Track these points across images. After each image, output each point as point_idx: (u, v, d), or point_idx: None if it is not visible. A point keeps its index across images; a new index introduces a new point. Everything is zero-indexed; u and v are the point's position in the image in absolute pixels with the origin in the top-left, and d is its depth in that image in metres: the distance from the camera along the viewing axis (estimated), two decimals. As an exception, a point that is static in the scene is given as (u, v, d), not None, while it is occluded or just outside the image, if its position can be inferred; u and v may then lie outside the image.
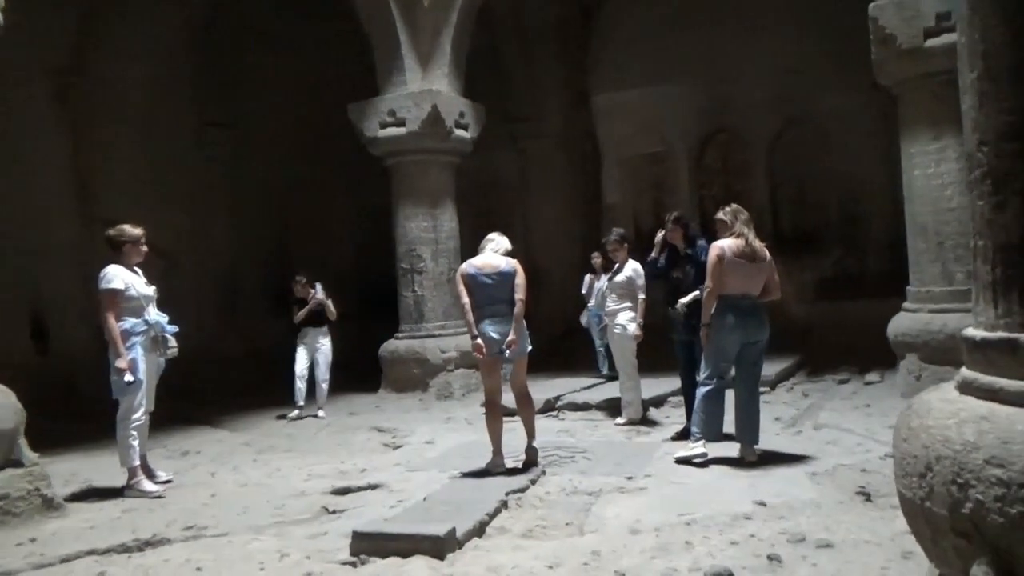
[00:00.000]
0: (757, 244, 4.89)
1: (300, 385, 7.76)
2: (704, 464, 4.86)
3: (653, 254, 5.91)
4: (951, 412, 2.02)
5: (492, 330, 4.78)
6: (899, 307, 6.86)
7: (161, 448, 6.31)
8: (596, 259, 8.52)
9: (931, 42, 6.21)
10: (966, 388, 2.08)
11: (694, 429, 5.00)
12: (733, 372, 5.06)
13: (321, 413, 7.66)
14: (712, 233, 5.22)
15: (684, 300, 5.44)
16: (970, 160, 2.10)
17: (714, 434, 4.99)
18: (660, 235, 5.82)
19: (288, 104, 11.19)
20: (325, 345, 7.83)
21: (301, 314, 7.74)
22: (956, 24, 2.23)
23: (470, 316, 4.81)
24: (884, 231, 9.91)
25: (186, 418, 7.56)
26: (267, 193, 11.20)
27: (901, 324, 6.67)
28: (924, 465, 2.00)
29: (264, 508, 4.49)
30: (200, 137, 10.42)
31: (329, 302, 7.76)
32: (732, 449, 5.04)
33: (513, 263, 4.90)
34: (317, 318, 7.78)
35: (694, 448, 4.93)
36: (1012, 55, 1.92)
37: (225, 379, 9.19)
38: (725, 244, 4.83)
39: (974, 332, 2.10)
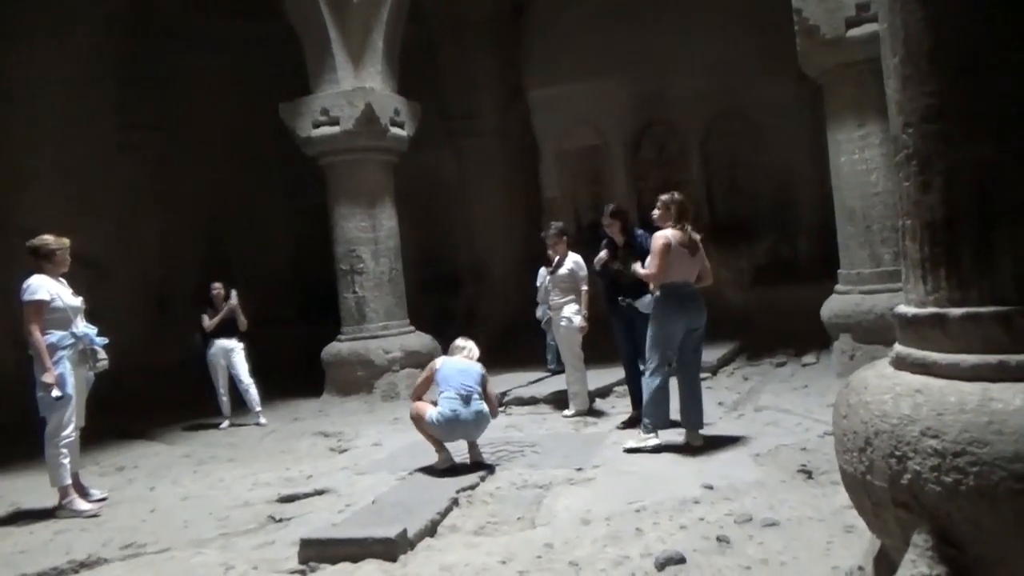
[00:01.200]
0: (695, 234, 5.00)
1: (224, 399, 7.61)
2: (655, 450, 4.93)
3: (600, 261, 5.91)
4: (887, 387, 2.07)
5: (459, 407, 4.74)
6: (831, 290, 7.08)
7: (95, 465, 6.06)
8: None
9: (853, 32, 6.41)
10: (900, 363, 2.14)
11: (646, 420, 5.05)
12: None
13: (262, 419, 7.47)
14: (649, 224, 5.28)
15: (636, 266, 5.39)
16: (896, 142, 2.16)
17: (664, 423, 5.08)
18: (602, 254, 5.82)
19: (218, 104, 10.88)
20: (238, 353, 7.58)
21: (213, 322, 7.53)
22: (877, 12, 2.30)
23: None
24: (815, 217, 10.21)
25: (120, 432, 7.28)
26: (199, 196, 10.86)
27: (834, 306, 6.88)
28: (864, 440, 2.05)
29: (207, 521, 4.35)
30: (125, 140, 10.02)
31: (240, 313, 7.55)
32: (677, 435, 5.12)
33: (482, 369, 5.02)
34: (228, 329, 7.57)
35: (647, 439, 4.99)
36: (931, 39, 1.98)
37: (160, 390, 8.87)
38: (669, 233, 4.92)
39: (906, 309, 2.17)
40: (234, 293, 7.61)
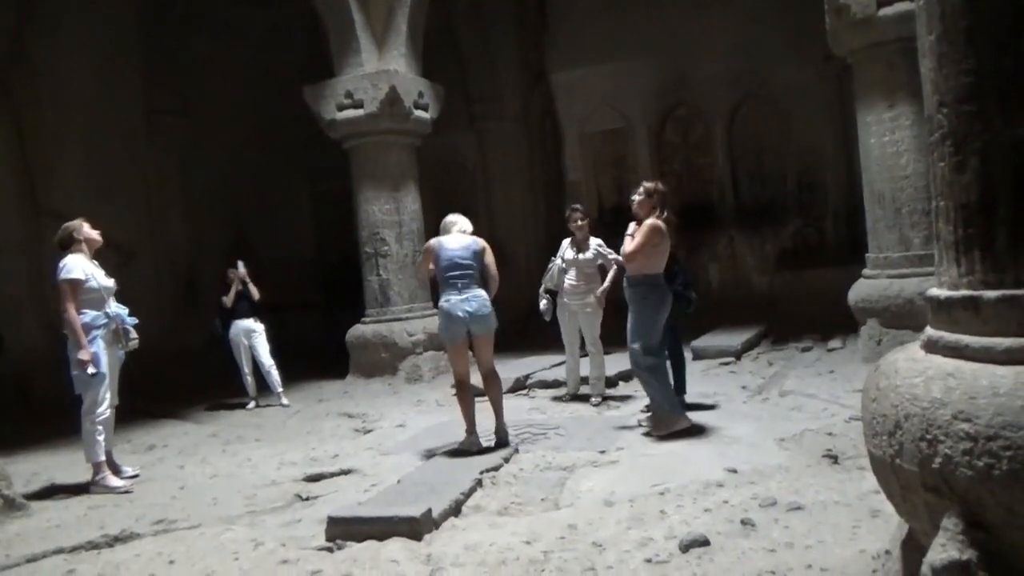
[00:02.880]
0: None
1: (249, 380, 7.69)
2: (678, 435, 4.91)
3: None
4: (918, 371, 2.05)
5: (458, 308, 4.75)
6: (858, 274, 6.99)
7: (126, 443, 6.18)
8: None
9: (884, 11, 6.27)
10: (932, 347, 2.11)
11: (665, 407, 4.99)
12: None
13: (284, 400, 7.57)
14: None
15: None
16: (930, 122, 2.12)
17: (677, 406, 5.09)
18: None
19: (242, 90, 10.94)
20: (259, 335, 7.65)
21: (230, 297, 7.58)
22: (913, -12, 2.25)
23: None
24: (842, 200, 10.09)
25: (149, 412, 7.41)
26: (224, 181, 10.95)
27: (861, 290, 6.80)
28: (893, 423, 2.03)
29: (235, 498, 4.43)
30: (152, 126, 10.12)
31: (250, 283, 7.62)
32: (699, 419, 5.12)
33: (481, 241, 4.94)
34: (246, 308, 7.62)
35: (679, 423, 4.96)
36: (969, 16, 1.94)
37: (187, 372, 9.02)
38: (661, 224, 4.87)
39: (938, 291, 2.14)
40: (241, 264, 7.67)
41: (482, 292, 4.85)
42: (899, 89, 6.35)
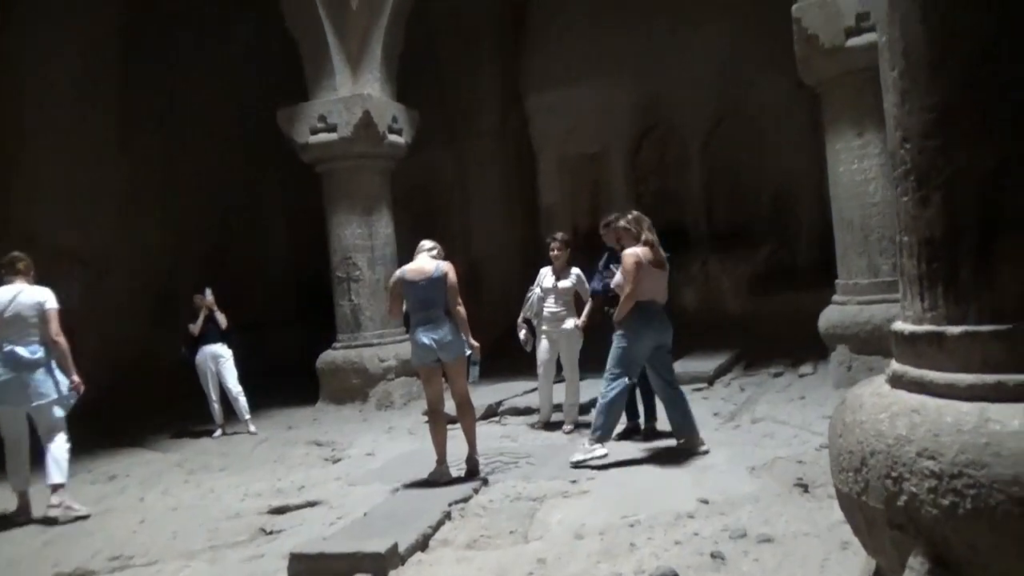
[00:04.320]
0: (661, 251, 5.01)
1: (216, 407, 7.51)
2: (640, 461, 4.89)
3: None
4: (883, 406, 2.03)
5: (426, 337, 4.74)
6: (829, 299, 7.03)
7: (86, 472, 6.01)
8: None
9: (852, 41, 6.38)
10: (897, 382, 2.10)
11: (595, 432, 4.98)
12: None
13: (252, 428, 7.43)
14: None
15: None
16: (893, 157, 2.13)
17: (611, 434, 5.08)
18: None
19: (220, 103, 10.83)
20: (226, 361, 7.51)
21: (198, 324, 7.47)
22: (876, 23, 2.27)
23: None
24: (815, 223, 10.16)
25: (113, 440, 7.22)
26: (200, 196, 10.78)
27: (831, 316, 6.84)
28: (859, 460, 2.01)
29: (197, 532, 4.30)
30: (127, 138, 9.96)
31: (216, 309, 7.51)
32: (670, 446, 5.10)
33: (444, 266, 4.84)
34: (213, 333, 7.50)
35: (594, 449, 4.93)
36: (931, 52, 1.95)
37: (158, 393, 8.83)
38: (639, 251, 4.89)
39: (903, 326, 2.13)
40: (208, 291, 7.56)
41: (449, 323, 4.79)
42: (868, 118, 6.44)
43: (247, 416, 7.46)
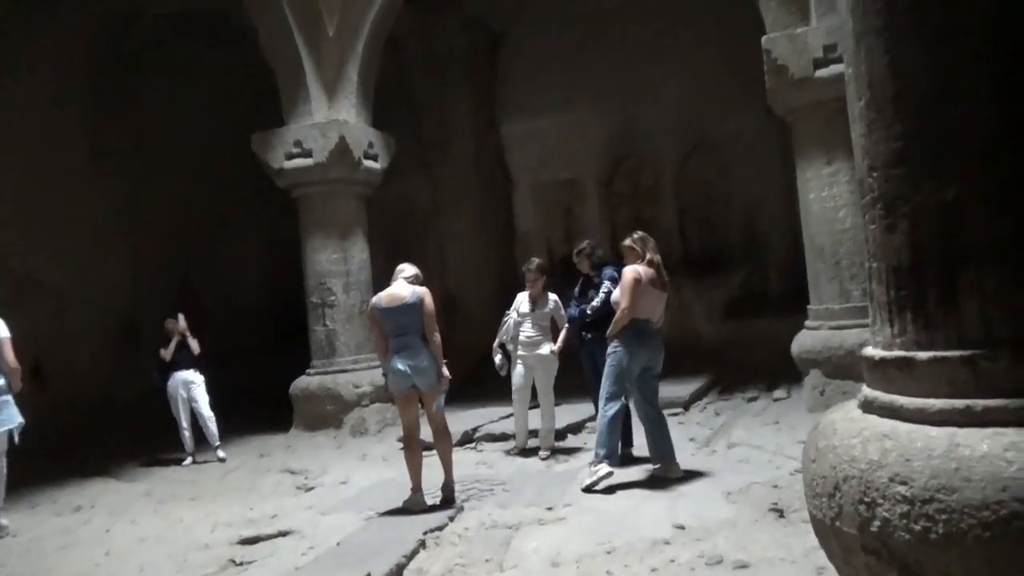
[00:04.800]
0: (664, 273, 5.03)
1: (186, 434, 7.39)
2: (616, 488, 4.86)
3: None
4: (855, 431, 2.05)
5: (401, 363, 4.70)
6: (802, 324, 7.11)
7: (51, 503, 5.86)
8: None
9: (820, 72, 6.53)
10: (868, 407, 2.12)
11: (600, 451, 4.98)
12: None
13: (221, 454, 7.31)
14: (622, 258, 5.31)
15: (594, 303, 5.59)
16: (861, 186, 2.17)
17: (615, 453, 5.07)
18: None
19: (193, 130, 10.78)
20: (199, 386, 7.44)
21: (169, 350, 7.39)
22: (843, 55, 2.32)
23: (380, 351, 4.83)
24: (786, 251, 10.31)
25: (80, 469, 7.05)
26: (170, 224, 10.69)
27: (804, 341, 6.91)
28: (833, 485, 2.02)
29: (164, 564, 4.21)
30: (97, 165, 9.86)
31: (189, 335, 7.46)
32: (644, 473, 5.10)
33: (420, 292, 4.82)
34: (185, 359, 7.43)
35: (599, 470, 4.92)
36: (895, 84, 1.99)
37: (124, 423, 8.67)
38: (640, 269, 4.92)
39: (873, 351, 2.16)
40: (181, 316, 7.49)
41: (425, 350, 4.76)
42: (837, 146, 6.57)
43: (217, 443, 7.34)
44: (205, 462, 7.26)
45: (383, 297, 4.84)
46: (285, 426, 8.42)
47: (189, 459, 7.33)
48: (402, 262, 5.14)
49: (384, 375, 4.89)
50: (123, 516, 5.45)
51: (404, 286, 4.85)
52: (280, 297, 11.73)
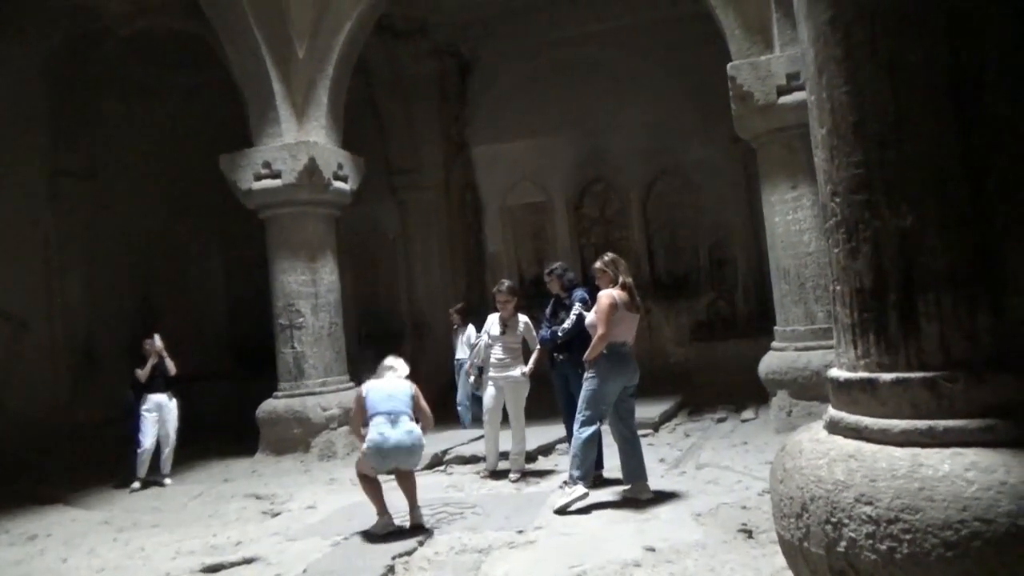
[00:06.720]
0: (636, 296, 5.09)
1: (143, 458, 7.26)
2: (587, 510, 4.85)
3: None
4: (822, 452, 2.08)
5: (387, 430, 4.61)
6: (768, 346, 7.21)
7: (3, 534, 5.66)
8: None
9: (784, 99, 6.69)
10: (834, 428, 2.15)
11: (575, 472, 4.98)
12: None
13: (168, 480, 7.24)
14: (590, 281, 5.35)
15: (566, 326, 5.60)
16: (824, 210, 2.22)
17: (590, 473, 5.07)
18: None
19: (153, 154, 10.70)
20: (172, 411, 7.40)
21: (146, 370, 7.31)
22: (805, 82, 2.38)
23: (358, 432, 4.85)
24: (751, 274, 10.48)
25: (34, 497, 6.84)
26: (132, 246, 10.54)
27: (771, 363, 7.00)
28: (800, 506, 2.04)
29: (124, 595, 4.08)
30: (54, 188, 9.70)
31: (166, 356, 7.40)
32: (615, 495, 5.09)
33: (413, 387, 4.91)
34: (159, 382, 7.36)
35: (574, 492, 4.91)
36: (856, 112, 2.05)
37: (82, 449, 8.44)
38: (615, 293, 4.96)
39: (838, 373, 2.19)
40: (157, 337, 7.43)
41: (415, 426, 4.75)
42: (800, 171, 6.72)
43: (167, 471, 7.35)
44: (153, 484, 7.17)
45: (372, 388, 4.84)
46: (250, 450, 8.27)
47: (137, 483, 7.17)
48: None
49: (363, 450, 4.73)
50: (80, 546, 5.28)
51: (396, 382, 4.91)
52: (245, 319, 11.58)
